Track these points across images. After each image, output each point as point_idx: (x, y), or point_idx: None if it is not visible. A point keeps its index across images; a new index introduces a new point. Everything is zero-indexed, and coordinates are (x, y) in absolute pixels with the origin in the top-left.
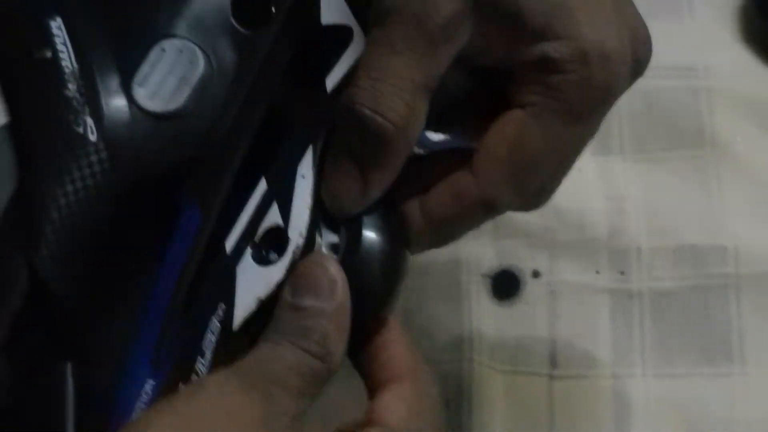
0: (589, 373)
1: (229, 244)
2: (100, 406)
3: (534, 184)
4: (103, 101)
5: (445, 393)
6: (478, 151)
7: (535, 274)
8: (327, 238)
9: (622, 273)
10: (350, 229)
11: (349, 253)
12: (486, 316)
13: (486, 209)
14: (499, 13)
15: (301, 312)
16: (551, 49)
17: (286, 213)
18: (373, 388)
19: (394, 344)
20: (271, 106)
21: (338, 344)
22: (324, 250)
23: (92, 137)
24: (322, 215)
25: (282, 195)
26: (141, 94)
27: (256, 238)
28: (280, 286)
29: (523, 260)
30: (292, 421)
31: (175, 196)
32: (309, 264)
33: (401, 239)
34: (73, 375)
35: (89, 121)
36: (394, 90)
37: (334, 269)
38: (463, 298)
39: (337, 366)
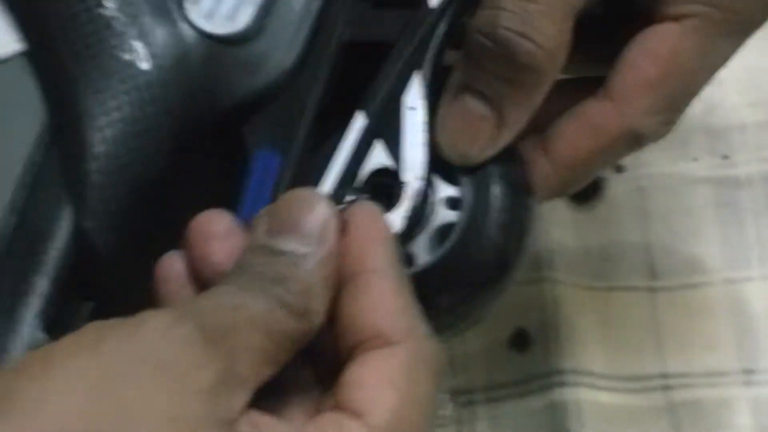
0: (697, 281)
1: (323, 191)
2: None
3: (684, 107)
4: (152, 22)
5: (524, 325)
6: (615, 74)
7: (619, 169)
8: (442, 191)
9: (725, 157)
10: (475, 180)
11: (476, 210)
12: (565, 225)
13: (630, 142)
14: None
15: (279, 257)
16: None
17: (396, 153)
18: (343, 345)
19: (378, 282)
20: (357, 29)
21: (321, 302)
22: (440, 206)
23: (143, 65)
24: (434, 164)
25: (388, 131)
26: (196, 13)
27: (358, 184)
28: (397, 240)
29: None
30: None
31: (245, 137)
32: (291, 199)
33: (529, 189)
34: None
35: (138, 45)
36: (547, 11)
37: (324, 207)
38: None
39: (314, 331)
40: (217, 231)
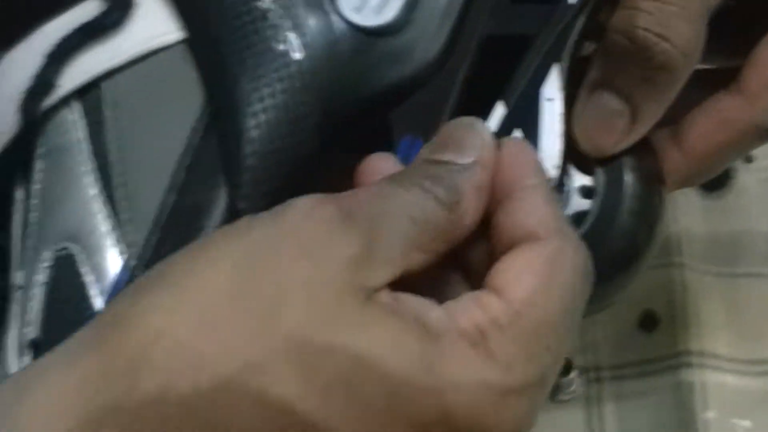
0: None
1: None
2: None
3: None
4: (305, 14)
5: (653, 307)
6: (747, 70)
7: (748, 159)
8: (577, 180)
9: None
10: (608, 171)
11: (608, 199)
12: (694, 213)
13: (759, 136)
14: None
15: (436, 164)
16: None
17: (534, 142)
18: (497, 250)
19: (531, 193)
20: (498, 23)
21: (472, 202)
22: (575, 194)
23: (296, 55)
24: (569, 153)
25: (526, 121)
26: (346, 6)
27: None
28: None
29: None
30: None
31: (391, 123)
32: (453, 122)
33: (660, 179)
34: None
35: (291, 36)
36: (683, 13)
37: (483, 128)
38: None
39: (465, 229)
40: (385, 168)
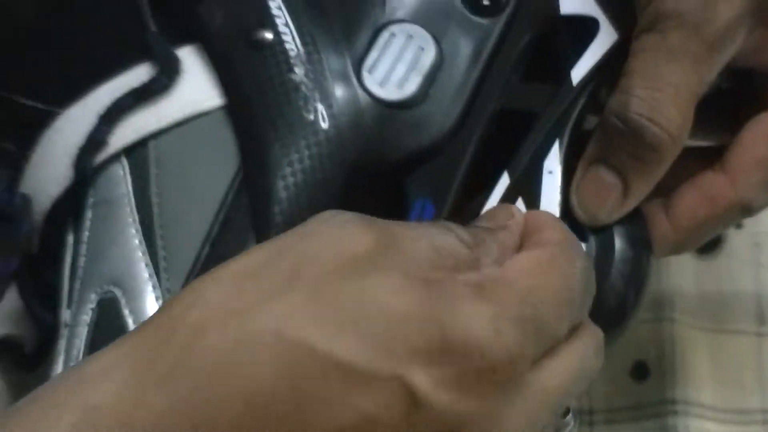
0: None
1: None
2: None
3: None
4: (333, 87)
5: (644, 358)
6: (731, 151)
7: (738, 225)
8: None
9: None
10: (600, 238)
11: (600, 263)
12: (687, 273)
13: (741, 211)
14: None
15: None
16: None
17: (534, 209)
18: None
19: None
20: (508, 99)
21: (493, 251)
22: None
23: (323, 125)
24: (567, 221)
25: (528, 191)
26: (371, 81)
27: None
28: None
29: None
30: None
31: (404, 190)
32: (493, 208)
33: (648, 246)
34: None
35: (320, 107)
36: (672, 99)
37: (517, 211)
38: None
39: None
40: None
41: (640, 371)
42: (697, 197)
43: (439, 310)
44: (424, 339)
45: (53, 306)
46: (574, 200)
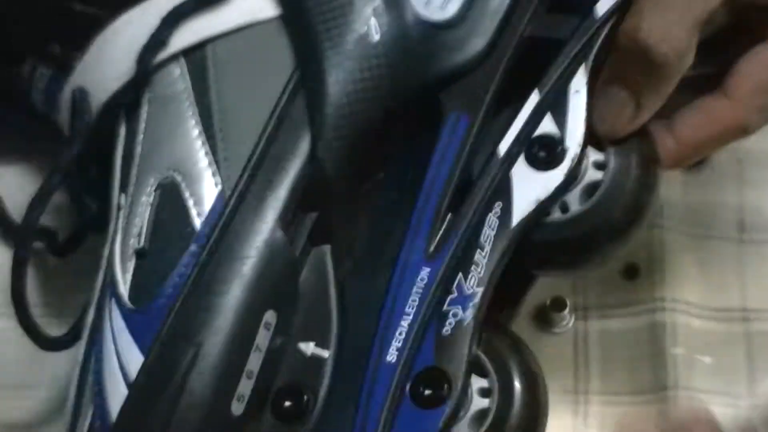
0: None
1: (502, 148)
2: (370, 292)
3: None
4: (383, 5)
5: (635, 260)
6: (732, 78)
7: None
8: (592, 156)
9: None
10: (617, 149)
11: (618, 170)
12: (675, 184)
13: (738, 132)
14: None
15: None
16: None
17: (561, 124)
18: None
19: None
20: (536, 27)
21: None
22: (590, 167)
23: (375, 37)
24: (586, 134)
25: (556, 107)
26: (417, 2)
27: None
28: (558, 191)
29: None
30: None
31: (442, 101)
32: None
33: (657, 159)
34: (332, 258)
35: (372, 21)
36: (679, 21)
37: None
38: None
39: None
40: None
41: (631, 272)
42: (699, 118)
43: None
44: None
45: (96, 197)
46: (593, 116)
